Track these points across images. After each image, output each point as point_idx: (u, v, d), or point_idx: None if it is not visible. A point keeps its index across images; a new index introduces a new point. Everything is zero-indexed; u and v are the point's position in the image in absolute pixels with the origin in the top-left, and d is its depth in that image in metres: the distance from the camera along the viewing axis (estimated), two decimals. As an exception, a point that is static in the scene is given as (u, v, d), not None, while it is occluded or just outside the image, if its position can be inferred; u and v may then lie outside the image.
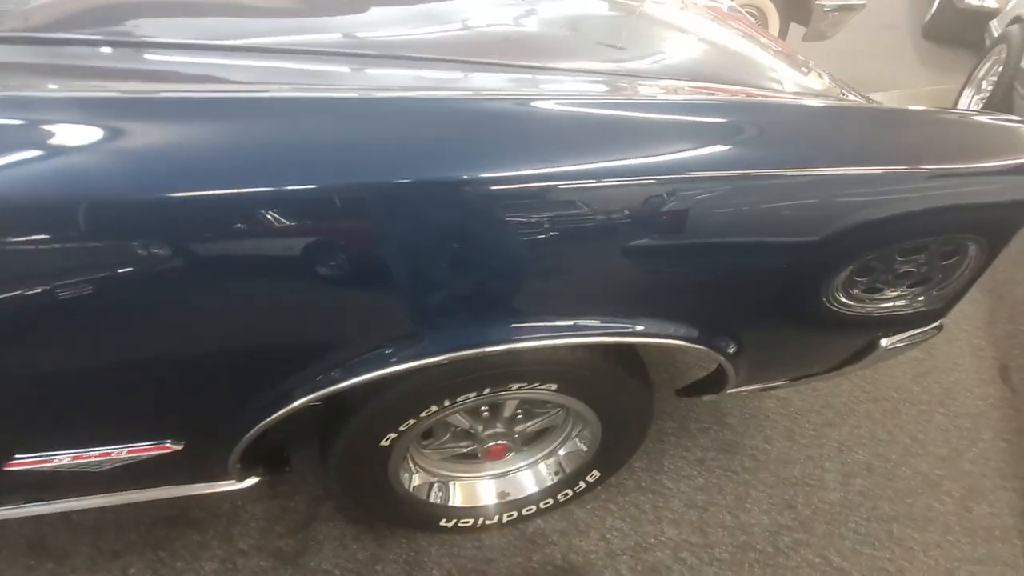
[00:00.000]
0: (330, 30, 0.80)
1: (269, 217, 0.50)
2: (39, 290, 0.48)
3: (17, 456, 0.61)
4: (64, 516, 1.09)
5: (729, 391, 0.92)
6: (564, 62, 0.82)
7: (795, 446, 1.31)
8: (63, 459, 0.61)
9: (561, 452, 1.03)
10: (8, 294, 0.48)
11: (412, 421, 0.78)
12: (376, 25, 0.83)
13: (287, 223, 0.50)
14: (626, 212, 0.60)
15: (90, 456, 0.62)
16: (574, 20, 0.99)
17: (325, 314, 0.60)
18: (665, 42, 1.03)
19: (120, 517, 1.09)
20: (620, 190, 0.59)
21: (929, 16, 4.53)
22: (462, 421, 0.92)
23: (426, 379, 0.72)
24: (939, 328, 0.94)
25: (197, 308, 0.54)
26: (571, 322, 0.68)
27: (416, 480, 0.96)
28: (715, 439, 1.31)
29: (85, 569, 1.02)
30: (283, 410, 0.64)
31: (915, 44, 4.44)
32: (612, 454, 1.00)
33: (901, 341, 0.90)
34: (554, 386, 0.80)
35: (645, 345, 0.82)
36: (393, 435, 0.79)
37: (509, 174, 0.56)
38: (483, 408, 0.91)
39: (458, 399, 0.77)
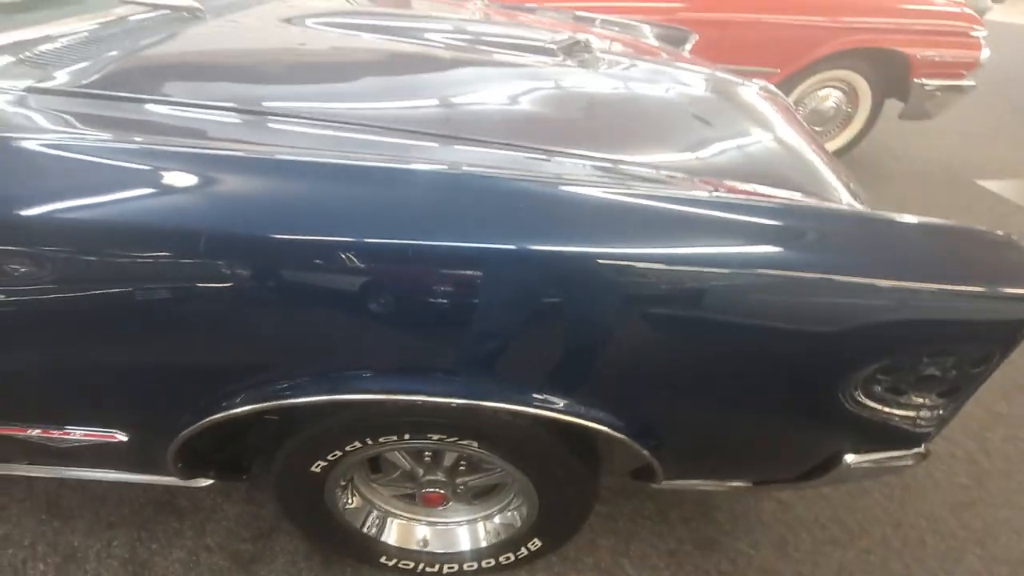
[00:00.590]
0: (424, 109, 0.89)
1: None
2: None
3: None
4: (83, 482, 1.25)
5: (667, 484, 0.88)
6: (638, 154, 0.86)
7: (785, 559, 1.19)
8: (32, 432, 0.73)
9: (496, 519, 1.03)
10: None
11: (339, 453, 0.83)
12: (467, 109, 0.92)
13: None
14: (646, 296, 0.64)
15: (52, 433, 0.74)
16: (648, 108, 1.04)
17: (269, 340, 0.67)
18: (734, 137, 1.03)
19: (123, 493, 1.23)
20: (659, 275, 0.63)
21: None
22: (403, 462, 0.95)
23: (347, 416, 0.77)
24: (923, 455, 0.84)
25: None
26: (478, 385, 0.70)
27: (354, 504, 1.01)
28: (694, 532, 1.22)
29: (82, 533, 1.15)
30: (207, 419, 0.71)
31: (1050, 130, 3.99)
32: (552, 526, 0.98)
33: (871, 462, 0.82)
34: (475, 443, 0.81)
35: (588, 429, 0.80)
36: (323, 463, 0.85)
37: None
38: (425, 453, 0.94)
39: (379, 439, 0.80)
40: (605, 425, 0.74)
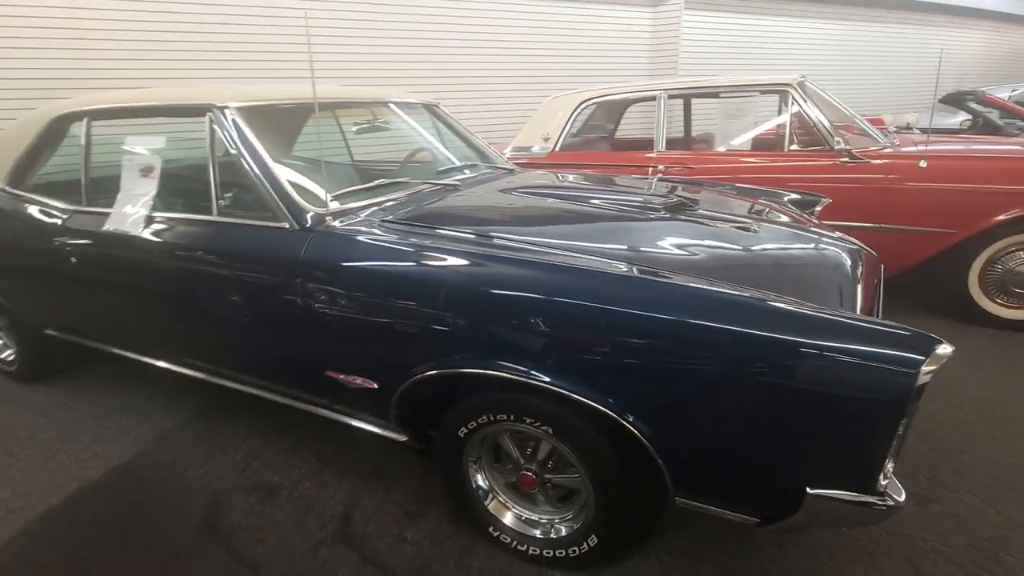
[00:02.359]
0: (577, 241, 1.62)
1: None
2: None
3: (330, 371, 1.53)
4: (347, 431, 2.03)
5: (680, 501, 1.21)
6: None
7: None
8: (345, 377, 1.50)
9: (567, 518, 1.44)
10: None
11: (473, 424, 1.40)
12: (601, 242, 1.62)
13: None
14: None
15: (350, 378, 1.49)
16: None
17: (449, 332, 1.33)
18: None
19: (367, 449, 1.96)
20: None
21: None
22: (511, 449, 1.46)
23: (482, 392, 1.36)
24: (886, 509, 1.01)
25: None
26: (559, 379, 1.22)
27: (480, 482, 1.52)
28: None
29: (314, 478, 1.89)
30: (417, 376, 1.37)
31: None
32: (607, 525, 1.35)
33: (832, 497, 1.04)
34: (549, 429, 1.30)
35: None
36: (465, 430, 1.42)
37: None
38: (529, 446, 1.44)
39: (496, 417, 1.35)
40: (635, 429, 1.17)
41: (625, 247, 1.47)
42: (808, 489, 1.07)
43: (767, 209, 2.03)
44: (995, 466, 1.87)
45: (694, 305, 1.12)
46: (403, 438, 1.57)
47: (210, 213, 1.69)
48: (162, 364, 2.03)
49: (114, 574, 1.52)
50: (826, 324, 1.04)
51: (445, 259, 1.35)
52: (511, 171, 2.45)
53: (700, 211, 1.81)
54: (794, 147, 3.12)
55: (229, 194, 1.68)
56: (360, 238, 1.48)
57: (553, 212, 1.80)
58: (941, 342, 0.97)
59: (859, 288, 1.43)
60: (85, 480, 1.90)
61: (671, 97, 3.48)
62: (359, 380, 1.50)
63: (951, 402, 2.25)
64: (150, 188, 1.82)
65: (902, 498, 1.05)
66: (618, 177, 2.62)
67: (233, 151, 1.66)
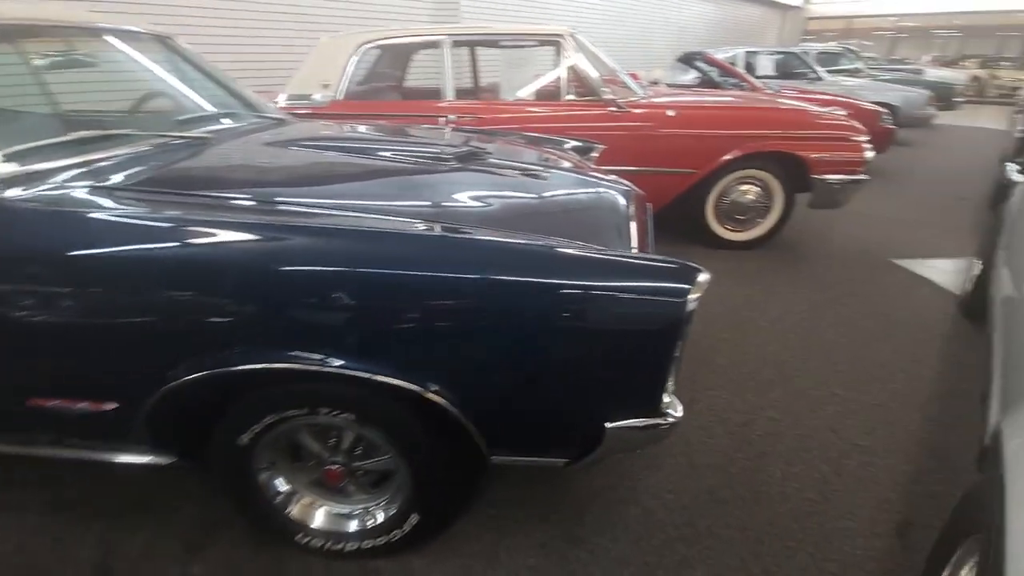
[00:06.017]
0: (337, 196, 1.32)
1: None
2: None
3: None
4: (90, 467, 1.54)
5: (496, 458, 1.15)
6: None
7: (637, 551, 1.37)
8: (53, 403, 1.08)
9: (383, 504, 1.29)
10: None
11: (258, 428, 1.13)
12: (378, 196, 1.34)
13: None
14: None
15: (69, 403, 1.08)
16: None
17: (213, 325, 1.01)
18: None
19: (121, 479, 1.51)
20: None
21: (993, 189, 4.40)
22: (311, 444, 1.24)
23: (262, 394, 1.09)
24: (669, 426, 1.09)
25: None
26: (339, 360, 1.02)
27: (277, 488, 1.27)
28: (564, 530, 1.43)
29: (46, 533, 1.43)
30: (173, 383, 1.03)
31: (979, 216, 4.30)
32: (426, 502, 1.23)
33: (627, 426, 1.07)
34: (351, 415, 1.11)
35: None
36: (248, 436, 1.14)
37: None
38: (331, 438, 1.23)
39: (286, 414, 1.11)
40: (442, 398, 1.04)
41: (421, 202, 1.31)
42: (606, 424, 1.08)
43: (552, 156, 2.03)
44: (737, 363, 2.23)
45: (496, 260, 1.02)
46: (170, 460, 1.22)
47: None
48: None
49: None
50: (608, 265, 1.03)
51: (199, 232, 1.01)
52: (281, 121, 2.05)
53: (491, 160, 1.71)
54: (570, 97, 3.23)
55: None
56: (53, 211, 1.04)
57: (336, 167, 1.52)
58: (701, 270, 1.03)
59: (634, 226, 1.49)
60: None
61: (456, 44, 3.30)
62: (84, 404, 1.10)
63: (701, 315, 2.64)
64: None
65: (680, 413, 1.12)
66: (408, 127, 2.40)
67: None
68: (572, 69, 3.17)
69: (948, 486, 1.59)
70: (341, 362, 1.01)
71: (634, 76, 4.24)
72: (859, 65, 8.81)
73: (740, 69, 5.95)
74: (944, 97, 9.21)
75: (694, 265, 1.04)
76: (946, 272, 3.17)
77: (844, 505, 1.52)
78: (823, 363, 2.23)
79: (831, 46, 10.29)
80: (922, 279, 3.09)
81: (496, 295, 0.99)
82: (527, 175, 1.64)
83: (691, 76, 6.27)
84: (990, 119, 10.88)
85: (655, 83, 5.39)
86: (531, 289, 0.99)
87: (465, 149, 1.69)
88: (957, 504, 1.00)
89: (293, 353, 1.01)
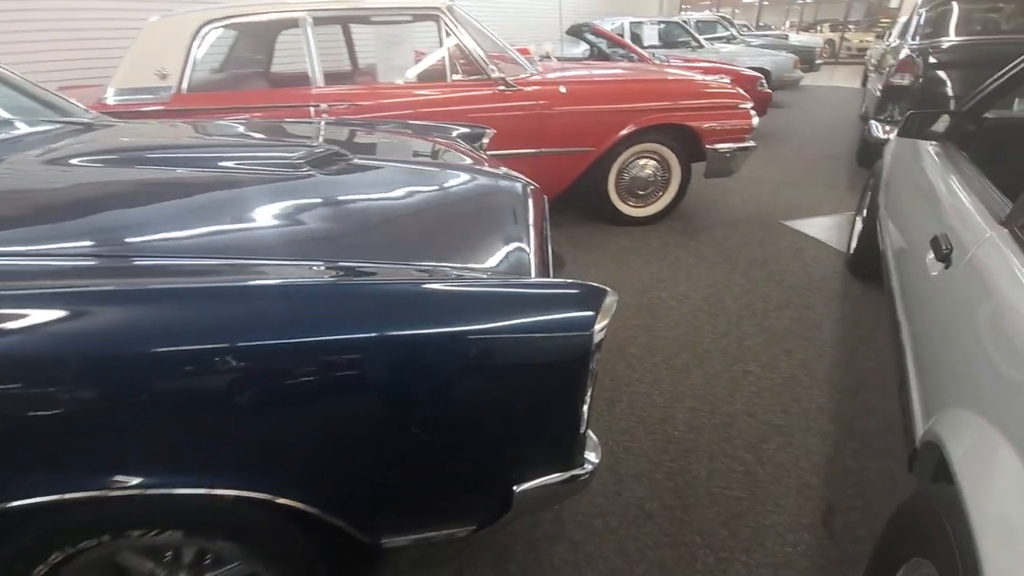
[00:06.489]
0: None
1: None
2: None
3: None
4: None
5: (388, 542, 0.91)
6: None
7: (567, 596, 1.22)
8: None
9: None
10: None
11: (42, 569, 0.82)
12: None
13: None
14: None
15: None
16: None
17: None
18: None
19: None
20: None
21: (858, 147, 4.74)
22: (139, 565, 0.93)
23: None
24: (589, 476, 0.92)
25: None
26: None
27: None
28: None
29: None
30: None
31: (850, 172, 4.60)
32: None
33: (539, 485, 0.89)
34: (179, 533, 0.82)
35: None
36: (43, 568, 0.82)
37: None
38: (165, 554, 0.93)
39: (79, 545, 0.80)
40: (297, 502, 0.78)
41: (252, 231, 1.01)
42: (515, 488, 0.88)
43: (438, 148, 1.78)
44: (652, 351, 2.15)
45: (344, 311, 0.77)
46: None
47: None
48: None
49: None
50: (493, 301, 0.82)
51: None
52: (88, 127, 1.62)
53: (357, 161, 1.42)
54: (457, 77, 2.96)
55: None
56: None
57: (126, 191, 1.14)
58: (606, 292, 0.85)
59: (531, 227, 1.29)
60: None
61: (318, 22, 2.88)
62: None
63: (615, 300, 2.54)
64: None
65: (598, 459, 0.95)
66: (261, 124, 2.02)
67: None
68: (456, 47, 2.89)
69: (860, 459, 1.59)
70: (136, 480, 0.72)
71: (524, 52, 4.04)
72: (733, 32, 9.24)
73: (626, 39, 5.93)
74: (807, 60, 9.94)
75: (598, 286, 0.86)
76: (829, 229, 3.32)
77: (769, 497, 1.46)
78: (733, 340, 2.20)
79: (707, 15, 10.70)
80: (809, 238, 3.21)
81: (352, 359, 0.75)
82: (403, 176, 1.38)
83: (581, 49, 6.18)
84: (845, 79, 11.94)
85: (546, 58, 5.21)
86: (397, 345, 0.76)
87: (323, 150, 1.38)
88: (894, 517, 0.92)
89: (77, 479, 0.71)
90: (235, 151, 1.40)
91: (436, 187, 1.35)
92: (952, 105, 3.53)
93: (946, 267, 1.13)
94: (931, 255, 1.24)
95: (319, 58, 2.84)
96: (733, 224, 3.44)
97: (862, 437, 1.67)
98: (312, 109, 2.82)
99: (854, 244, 2.72)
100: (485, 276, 0.92)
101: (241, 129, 1.80)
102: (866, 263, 2.53)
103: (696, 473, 1.54)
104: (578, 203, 3.43)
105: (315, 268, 0.88)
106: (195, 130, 1.77)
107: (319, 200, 1.17)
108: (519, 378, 0.82)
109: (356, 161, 1.41)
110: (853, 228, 2.87)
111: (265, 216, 1.08)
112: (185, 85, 2.75)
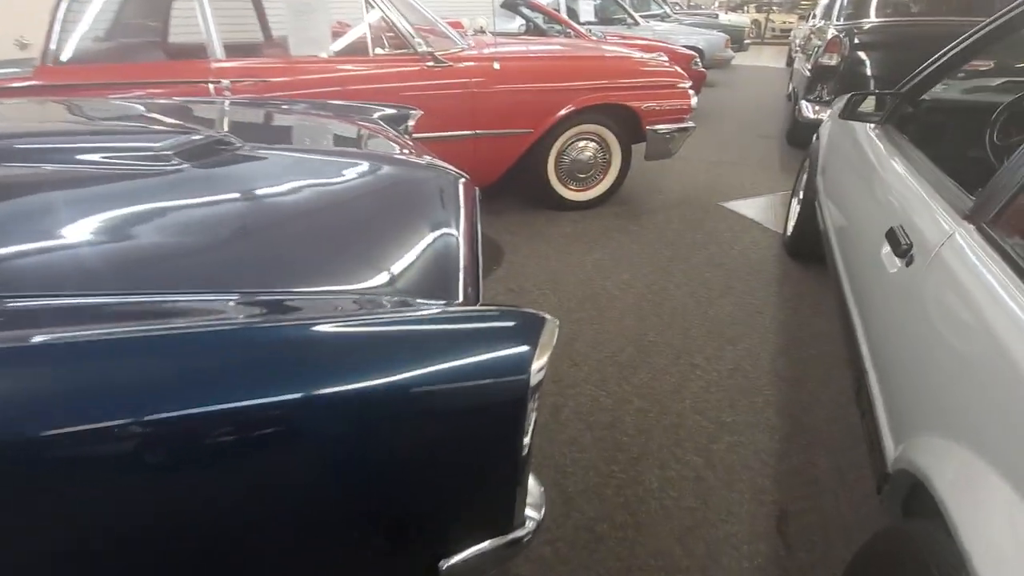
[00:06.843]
0: None
1: None
2: None
3: None
4: None
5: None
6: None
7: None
8: None
9: None
10: None
11: None
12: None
13: None
14: None
15: None
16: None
17: None
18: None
19: None
20: None
21: (789, 127, 4.83)
22: None
23: None
24: (532, 535, 0.77)
25: None
26: None
27: None
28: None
29: None
30: None
31: (782, 152, 4.67)
32: None
33: (472, 555, 0.73)
34: None
35: None
36: None
37: None
38: None
39: None
40: None
41: (102, 254, 0.76)
42: (441, 564, 0.71)
43: (355, 132, 1.54)
44: (597, 345, 2.03)
45: (202, 370, 0.56)
46: None
47: None
48: None
49: None
50: (401, 345, 0.64)
51: None
52: None
53: (247, 151, 1.17)
54: (380, 51, 2.67)
55: None
56: None
57: None
58: (546, 320, 0.69)
59: (459, 230, 1.11)
60: None
61: (215, -16, 2.50)
62: None
63: (556, 291, 2.40)
64: None
65: (542, 513, 0.80)
66: (139, 104, 1.70)
67: None
68: (381, 18, 2.60)
69: (808, 455, 1.54)
70: None
71: (456, 25, 3.76)
72: (667, 10, 9.24)
73: (563, 15, 5.74)
74: (737, 40, 10.15)
75: (534, 313, 0.69)
76: (765, 210, 3.33)
77: (723, 505, 1.38)
78: (678, 331, 2.13)
79: (641, -8, 10.63)
80: (747, 220, 3.20)
81: (227, 433, 0.55)
82: (302, 169, 1.15)
83: (517, 24, 5.93)
84: (770, 59, 12.31)
85: (480, 32, 4.94)
86: (289, 410, 0.56)
87: (201, 137, 1.12)
88: (865, 552, 0.83)
89: None
90: (83, 140, 1.12)
91: (340, 182, 1.13)
92: (873, 85, 3.61)
93: (907, 264, 1.04)
94: (887, 248, 1.16)
95: (216, 25, 2.47)
96: (673, 206, 3.39)
97: (809, 431, 1.63)
98: (211, 86, 2.46)
99: (791, 226, 2.72)
100: (389, 308, 0.73)
101: (106, 111, 1.48)
102: (803, 244, 2.52)
103: (647, 484, 1.44)
104: (516, 188, 3.25)
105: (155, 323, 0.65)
106: (43, 112, 1.44)
107: (185, 202, 0.93)
108: (441, 437, 0.65)
109: (244, 151, 1.16)
110: (789, 209, 2.87)
111: (101, 227, 0.83)
112: (52, 57, 2.31)
